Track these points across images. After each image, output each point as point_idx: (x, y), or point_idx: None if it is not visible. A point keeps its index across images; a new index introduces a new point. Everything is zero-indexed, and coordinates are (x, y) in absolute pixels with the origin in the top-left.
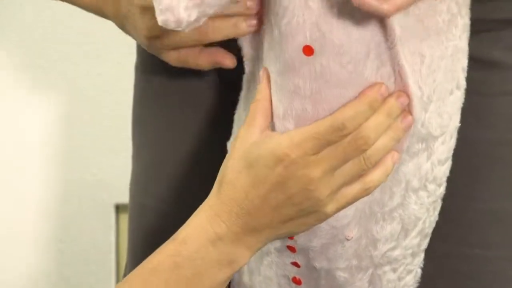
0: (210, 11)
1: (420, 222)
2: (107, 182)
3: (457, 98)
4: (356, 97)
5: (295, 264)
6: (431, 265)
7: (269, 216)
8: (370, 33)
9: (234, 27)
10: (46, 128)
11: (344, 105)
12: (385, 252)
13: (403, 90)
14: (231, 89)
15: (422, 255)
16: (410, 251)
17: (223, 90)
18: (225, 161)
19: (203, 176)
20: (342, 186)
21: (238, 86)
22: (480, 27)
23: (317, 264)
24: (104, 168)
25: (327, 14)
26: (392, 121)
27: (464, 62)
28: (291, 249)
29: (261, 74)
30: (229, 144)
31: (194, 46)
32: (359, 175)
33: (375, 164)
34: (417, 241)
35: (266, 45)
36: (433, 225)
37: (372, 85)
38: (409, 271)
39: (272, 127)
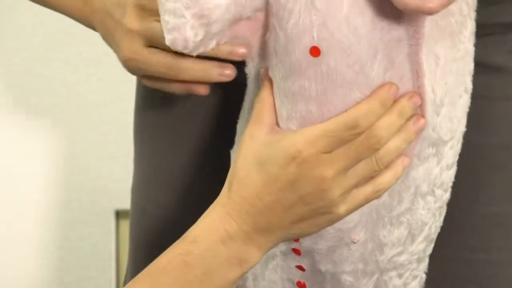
0: (216, 30)
1: (427, 228)
2: (107, 188)
3: (465, 102)
4: (367, 97)
5: (300, 267)
6: (433, 269)
7: (280, 216)
8: (379, 32)
9: (204, 71)
10: (47, 134)
11: (356, 104)
12: (392, 257)
13: (415, 91)
14: (233, 96)
15: (427, 260)
16: (416, 257)
17: (225, 97)
18: (234, 160)
19: (204, 183)
20: (354, 186)
21: (240, 93)
22: (483, 31)
23: (322, 267)
24: (104, 174)
25: (335, 13)
26: (403, 121)
27: (471, 66)
28: (296, 252)
29: (263, 76)
30: (233, 153)
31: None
32: (371, 176)
33: (387, 166)
34: (423, 246)
35: (270, 53)
36: (438, 230)
37: (383, 85)
38: (415, 277)
39: None
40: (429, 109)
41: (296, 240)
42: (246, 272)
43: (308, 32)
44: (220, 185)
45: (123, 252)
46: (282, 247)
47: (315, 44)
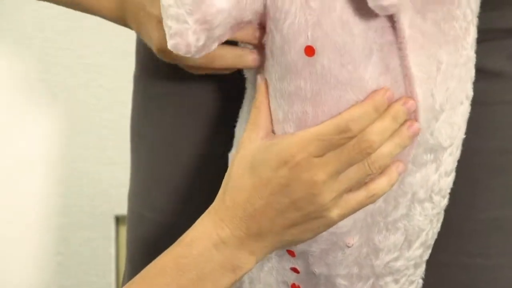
0: (218, 34)
1: (424, 234)
2: (107, 193)
3: (466, 108)
4: (361, 100)
5: (294, 269)
6: (431, 275)
7: (272, 220)
8: (373, 33)
9: (239, 57)
10: (46, 139)
11: (349, 108)
12: (388, 262)
13: (409, 96)
14: (231, 100)
15: (424, 266)
16: (412, 262)
17: (223, 101)
18: (230, 165)
19: (202, 187)
20: (346, 191)
21: (238, 97)
22: (482, 36)
23: (316, 270)
24: (104, 179)
25: (329, 13)
26: (397, 126)
27: (473, 72)
28: (291, 253)
29: (258, 80)
30: (231, 156)
31: (199, 68)
32: (364, 181)
33: (380, 171)
34: (420, 252)
35: (267, 55)
36: (435, 236)
37: (378, 90)
38: (411, 282)
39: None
40: (421, 115)
41: None
42: (240, 279)
43: (303, 31)
44: (218, 190)
45: (122, 257)
46: None
47: (309, 44)
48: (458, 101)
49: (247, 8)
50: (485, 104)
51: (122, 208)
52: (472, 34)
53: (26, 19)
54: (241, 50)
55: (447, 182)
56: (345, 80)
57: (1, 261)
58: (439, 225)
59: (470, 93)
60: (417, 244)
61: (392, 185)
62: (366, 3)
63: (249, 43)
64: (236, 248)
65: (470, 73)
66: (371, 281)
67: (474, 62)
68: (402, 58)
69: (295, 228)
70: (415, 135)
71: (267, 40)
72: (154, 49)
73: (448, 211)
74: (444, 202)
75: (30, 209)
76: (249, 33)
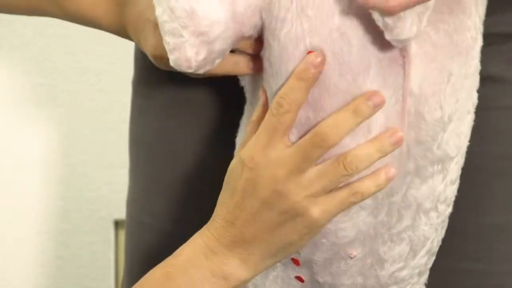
0: (219, 48)
1: (429, 242)
2: (106, 198)
3: (472, 117)
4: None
5: (299, 278)
6: (434, 281)
7: (253, 225)
8: (371, 46)
9: (236, 64)
10: (46, 143)
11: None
12: (393, 272)
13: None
14: (231, 106)
15: (428, 273)
16: (417, 271)
17: (222, 107)
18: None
19: (200, 194)
20: (323, 188)
21: (237, 103)
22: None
23: (320, 279)
24: (103, 184)
25: (327, 22)
26: (358, 120)
27: (478, 80)
28: (296, 262)
29: (260, 94)
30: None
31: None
32: (344, 182)
33: (359, 173)
34: (424, 260)
35: (265, 67)
36: (440, 243)
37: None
38: None
39: None
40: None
41: None
42: (237, 286)
43: (301, 39)
44: (217, 196)
45: (122, 261)
46: None
47: (309, 50)
48: (466, 110)
49: (245, 23)
50: (486, 109)
51: (122, 212)
52: (479, 42)
53: (27, 24)
54: (238, 57)
55: (452, 190)
56: (344, 88)
57: (1, 266)
58: (444, 232)
59: (476, 101)
60: (422, 252)
61: (380, 188)
62: (365, 15)
63: (245, 52)
64: (225, 256)
65: (476, 82)
66: None
67: (479, 70)
68: (406, 76)
69: (278, 230)
70: (396, 143)
71: (265, 51)
72: (150, 55)
73: (451, 216)
74: (449, 210)
75: (30, 213)
76: (247, 43)
